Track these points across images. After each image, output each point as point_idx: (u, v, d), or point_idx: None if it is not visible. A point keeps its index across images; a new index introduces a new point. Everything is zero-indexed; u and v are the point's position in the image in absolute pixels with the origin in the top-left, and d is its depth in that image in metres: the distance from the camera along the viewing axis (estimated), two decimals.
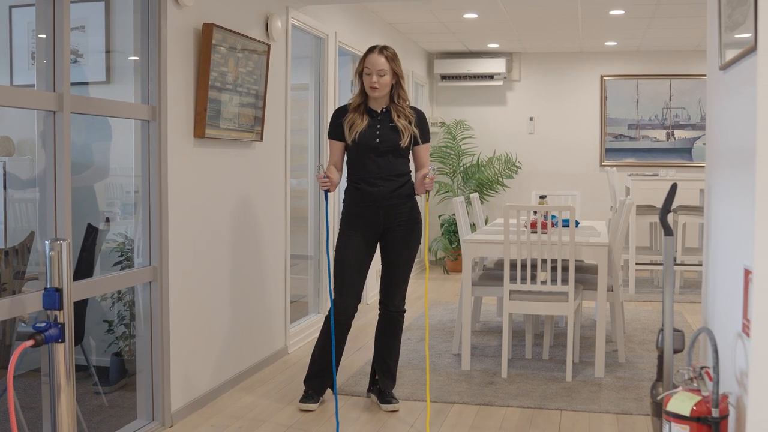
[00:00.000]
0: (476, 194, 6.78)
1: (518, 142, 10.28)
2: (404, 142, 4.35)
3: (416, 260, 9.79)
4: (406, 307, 4.58)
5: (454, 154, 10.01)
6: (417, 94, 9.77)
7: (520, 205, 5.09)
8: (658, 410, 3.40)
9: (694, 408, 2.63)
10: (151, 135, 4.06)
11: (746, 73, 2.84)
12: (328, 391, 4.63)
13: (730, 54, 3.13)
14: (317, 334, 6.27)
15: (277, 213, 5.54)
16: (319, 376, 4.50)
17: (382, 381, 4.58)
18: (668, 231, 3.38)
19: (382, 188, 4.35)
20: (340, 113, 4.46)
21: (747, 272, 2.64)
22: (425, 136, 4.47)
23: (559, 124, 10.22)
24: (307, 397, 4.51)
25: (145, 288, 4.08)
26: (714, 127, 3.63)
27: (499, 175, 10.07)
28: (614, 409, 4.48)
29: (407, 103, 4.43)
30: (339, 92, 6.81)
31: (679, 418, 2.65)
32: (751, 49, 2.71)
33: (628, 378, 5.09)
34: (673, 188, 3.44)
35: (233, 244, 4.84)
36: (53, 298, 2.97)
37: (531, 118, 10.27)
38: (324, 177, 4.26)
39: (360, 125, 4.34)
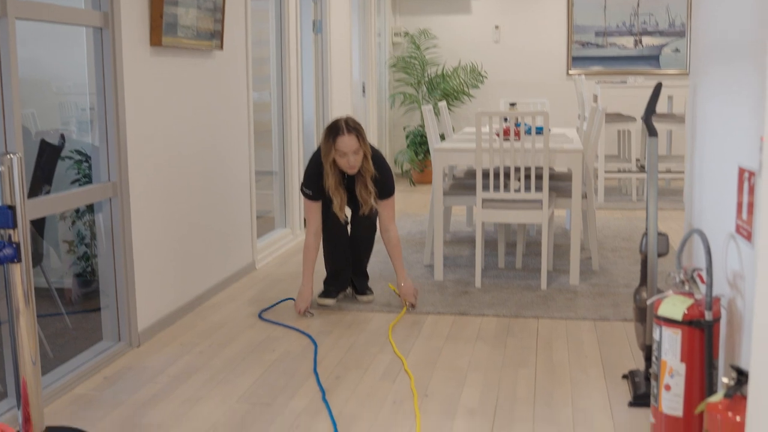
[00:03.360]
0: (444, 102, 6.59)
1: (484, 51, 10.06)
2: (365, 211, 4.60)
3: None
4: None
5: (418, 64, 9.78)
6: (379, 4, 9.47)
7: (492, 111, 4.93)
8: (642, 316, 3.33)
9: (686, 312, 2.53)
10: (105, 43, 3.81)
11: None
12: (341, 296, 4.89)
13: None
14: (285, 249, 6.16)
15: (241, 127, 5.33)
16: (335, 277, 4.75)
17: (356, 281, 4.80)
18: (652, 131, 3.25)
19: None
20: (318, 176, 4.52)
21: (742, 171, 2.52)
22: (386, 192, 4.62)
23: (525, 32, 10.00)
24: (325, 293, 4.73)
25: (105, 205, 3.89)
26: (702, 23, 3.47)
27: (464, 85, 9.88)
28: (591, 315, 4.42)
29: (371, 174, 4.53)
30: (300, 3, 6.52)
31: (671, 322, 2.55)
32: None
33: (603, 285, 5.03)
34: (658, 88, 3.30)
35: (196, 159, 4.64)
36: (6, 216, 2.78)
37: (496, 27, 10.03)
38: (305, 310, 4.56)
39: (338, 208, 4.57)
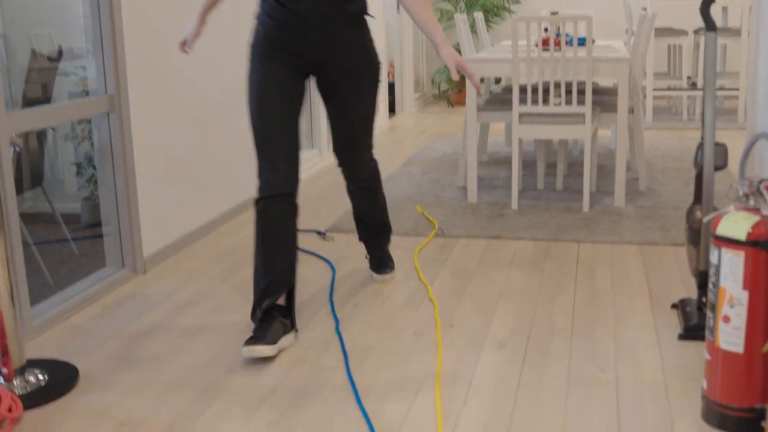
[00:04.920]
0: (480, 14, 6.12)
1: None
2: None
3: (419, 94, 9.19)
4: (374, 157, 3.28)
5: None
6: None
7: (531, 17, 4.48)
8: (696, 237, 2.94)
9: (751, 230, 2.14)
10: None
11: None
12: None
13: None
14: (311, 171, 5.80)
15: None
16: (272, 297, 2.85)
17: (374, 242, 3.53)
18: (711, 25, 2.81)
19: (312, 4, 2.84)
20: None
21: None
22: None
23: None
24: (255, 338, 2.74)
25: (103, 120, 3.56)
26: None
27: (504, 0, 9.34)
28: (637, 239, 4.03)
29: None
30: None
31: (733, 242, 2.16)
32: None
33: (650, 207, 4.62)
34: None
35: (205, 73, 4.28)
36: None
37: None
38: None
39: None
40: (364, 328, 3.04)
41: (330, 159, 6.16)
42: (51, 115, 3.24)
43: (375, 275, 3.56)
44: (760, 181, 2.21)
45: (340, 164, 3.21)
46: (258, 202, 2.85)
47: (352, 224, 4.38)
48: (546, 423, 2.32)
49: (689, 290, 3.36)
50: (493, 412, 2.39)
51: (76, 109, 3.36)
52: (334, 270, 3.69)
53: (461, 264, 3.75)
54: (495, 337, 2.93)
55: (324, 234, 4.25)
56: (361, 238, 3.55)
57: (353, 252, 3.96)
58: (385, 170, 5.70)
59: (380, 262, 3.58)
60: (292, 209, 2.87)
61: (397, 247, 4.01)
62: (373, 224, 3.48)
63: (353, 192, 3.37)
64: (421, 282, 3.52)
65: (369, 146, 3.18)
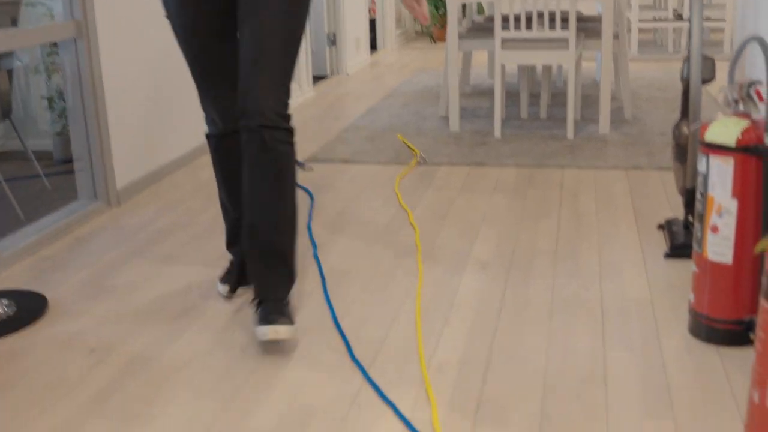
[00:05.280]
0: None
1: None
2: None
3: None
4: (290, 114, 2.33)
5: None
6: None
7: None
8: (682, 153, 2.86)
9: (741, 136, 2.06)
10: None
11: None
12: None
13: None
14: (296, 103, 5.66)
15: None
16: (237, 228, 2.58)
17: (257, 274, 2.32)
18: None
19: None
20: None
21: None
22: None
23: None
24: (231, 276, 2.61)
25: (70, 47, 3.42)
26: None
27: None
28: (623, 164, 3.95)
29: None
30: None
31: (722, 149, 2.08)
32: None
33: (635, 134, 4.54)
34: None
35: None
36: None
37: None
38: None
39: None
40: (343, 253, 2.96)
41: (309, 93, 6.03)
42: (14, 39, 3.11)
43: (258, 329, 2.19)
44: (750, 85, 2.12)
45: (240, 108, 2.24)
46: (209, 139, 2.53)
47: (332, 153, 4.28)
48: (529, 342, 2.26)
49: (676, 212, 3.29)
50: (475, 331, 2.33)
51: (41, 33, 3.22)
52: (312, 198, 3.60)
53: (443, 190, 3.66)
54: (477, 259, 2.86)
55: (302, 164, 4.15)
56: (247, 263, 2.40)
57: (333, 181, 3.86)
58: (365, 104, 5.58)
59: (270, 307, 2.25)
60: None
61: (377, 175, 3.92)
62: (268, 247, 2.28)
63: (247, 164, 2.28)
64: (401, 208, 3.44)
65: (279, 78, 2.24)
